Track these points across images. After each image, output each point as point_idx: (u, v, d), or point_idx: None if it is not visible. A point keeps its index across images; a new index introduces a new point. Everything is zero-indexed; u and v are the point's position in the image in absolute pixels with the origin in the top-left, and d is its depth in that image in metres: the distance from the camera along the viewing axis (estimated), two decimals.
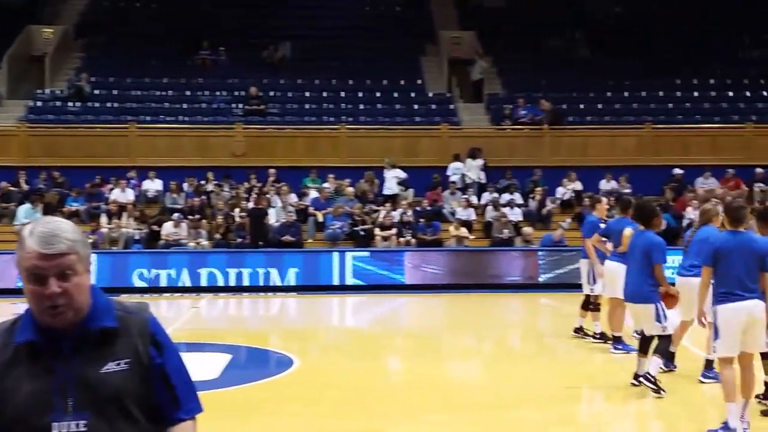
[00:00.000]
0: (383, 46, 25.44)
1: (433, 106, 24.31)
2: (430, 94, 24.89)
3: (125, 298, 2.47)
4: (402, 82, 24.97)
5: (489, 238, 19.35)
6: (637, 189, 19.49)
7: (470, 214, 19.92)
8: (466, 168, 21.30)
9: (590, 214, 11.32)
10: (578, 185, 21.07)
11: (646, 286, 7.90)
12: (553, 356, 10.60)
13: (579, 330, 10.99)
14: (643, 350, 8.08)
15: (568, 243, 18.71)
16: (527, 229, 19.10)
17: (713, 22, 25.99)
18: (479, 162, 21.39)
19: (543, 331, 13.32)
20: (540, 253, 18.13)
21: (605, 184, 20.86)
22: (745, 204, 7.14)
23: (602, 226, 10.53)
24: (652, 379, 7.73)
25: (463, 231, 18.89)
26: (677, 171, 20.81)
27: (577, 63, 25.76)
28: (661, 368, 8.05)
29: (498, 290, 17.40)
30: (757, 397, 7.37)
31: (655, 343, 7.98)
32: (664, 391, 7.68)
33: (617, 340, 10.15)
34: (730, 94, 24.38)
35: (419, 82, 25.25)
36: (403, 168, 21.03)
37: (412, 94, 24.70)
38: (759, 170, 20.99)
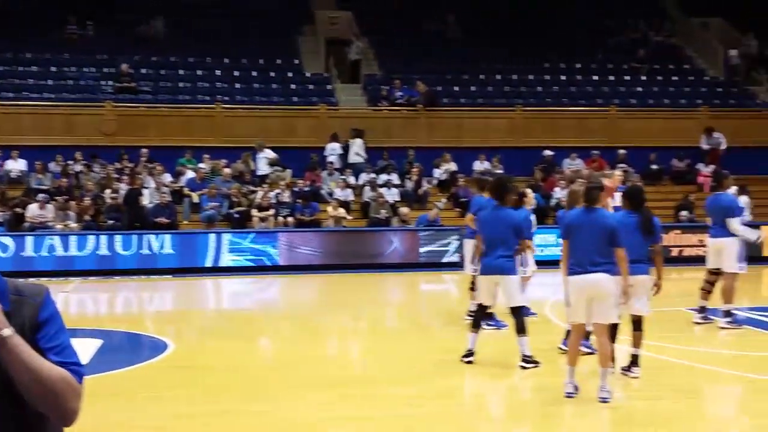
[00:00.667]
0: (260, 25, 25.11)
1: (311, 87, 24.23)
2: (308, 74, 24.79)
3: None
4: (279, 62, 24.74)
5: (366, 219, 19.53)
6: (509, 169, 20.08)
7: (348, 195, 20.04)
8: (357, 148, 21.36)
9: (480, 195, 11.46)
10: (453, 166, 21.54)
11: (509, 260, 8.33)
12: (428, 332, 10.85)
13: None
14: (476, 324, 8.57)
15: (443, 222, 19.15)
16: (404, 209, 19.39)
17: (578, 8, 26.99)
18: (359, 142, 21.49)
19: (418, 309, 13.59)
20: (421, 233, 18.41)
21: (479, 165, 21.41)
22: (600, 184, 7.51)
23: (533, 219, 10.91)
24: (527, 358, 8.21)
25: (341, 211, 18.99)
26: (547, 152, 21.58)
27: (451, 45, 26.22)
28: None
29: (378, 270, 17.59)
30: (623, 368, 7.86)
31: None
32: (538, 362, 8.17)
33: (489, 317, 10.49)
34: (595, 78, 25.44)
35: (296, 62, 25.08)
36: (280, 148, 20.90)
37: (289, 74, 24.51)
38: (621, 151, 22.05)
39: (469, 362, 8.41)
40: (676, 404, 7.19)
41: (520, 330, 8.26)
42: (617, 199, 8.92)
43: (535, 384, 7.94)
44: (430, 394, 7.46)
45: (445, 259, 18.06)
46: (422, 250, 18.18)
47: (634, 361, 7.91)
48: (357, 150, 21.41)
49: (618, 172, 11.22)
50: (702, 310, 10.72)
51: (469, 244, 11.06)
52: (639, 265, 7.64)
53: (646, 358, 8.49)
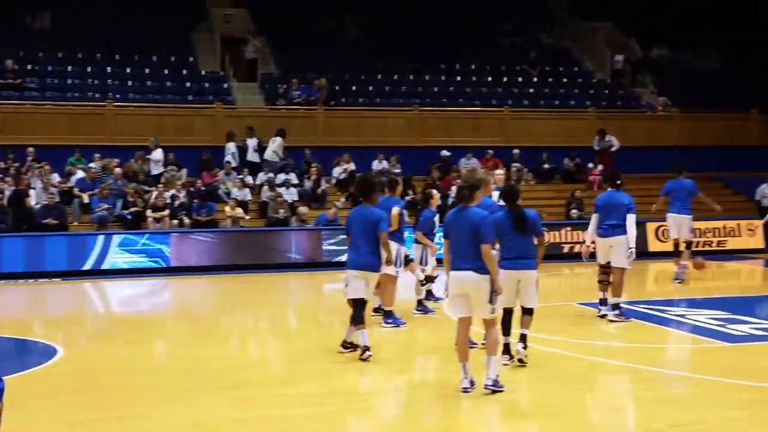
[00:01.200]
0: (153, 21, 24.51)
1: (207, 85, 23.85)
2: (203, 72, 24.39)
3: None
4: (173, 59, 24.24)
5: (265, 218, 19.35)
6: (407, 169, 20.30)
7: (246, 195, 19.81)
8: (276, 147, 21.09)
9: (427, 208, 11.53)
10: (352, 165, 21.59)
11: (374, 257, 8.76)
12: (329, 331, 10.85)
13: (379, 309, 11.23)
14: (358, 320, 8.72)
15: (342, 222, 19.16)
16: (303, 209, 19.29)
17: (473, 9, 27.51)
18: (279, 141, 21.27)
19: (319, 308, 13.56)
20: (323, 232, 18.33)
21: (377, 165, 21.53)
22: (479, 182, 7.68)
23: (436, 219, 11.07)
24: (363, 347, 8.59)
25: (239, 211, 18.75)
26: (444, 152, 21.90)
27: (349, 44, 26.29)
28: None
29: (279, 270, 17.44)
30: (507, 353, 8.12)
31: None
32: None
33: (388, 315, 10.59)
34: (489, 79, 26.01)
35: (191, 59, 24.64)
36: (175, 147, 20.48)
37: (184, 72, 24.05)
38: (515, 151, 22.62)
39: (366, 359, 8.48)
40: (565, 394, 7.43)
41: (358, 321, 8.66)
42: (494, 197, 9.25)
43: (433, 379, 8.06)
44: (329, 393, 7.47)
45: (342, 258, 18.06)
46: (325, 249, 18.11)
47: (522, 339, 8.28)
48: (275, 149, 21.21)
49: (499, 172, 11.58)
50: (603, 302, 11.08)
51: (417, 249, 11.36)
52: (524, 260, 8.05)
53: (538, 351, 8.76)
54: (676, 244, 14.67)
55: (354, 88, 24.56)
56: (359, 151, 21.82)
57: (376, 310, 11.04)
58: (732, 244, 19.93)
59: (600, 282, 11.03)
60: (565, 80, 26.63)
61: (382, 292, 10.65)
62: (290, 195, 20.04)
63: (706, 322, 10.55)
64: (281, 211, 19.11)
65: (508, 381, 7.61)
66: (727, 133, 24.48)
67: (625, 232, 10.58)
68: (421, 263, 11.39)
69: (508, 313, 8.26)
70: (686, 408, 6.82)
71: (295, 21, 26.14)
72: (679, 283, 14.51)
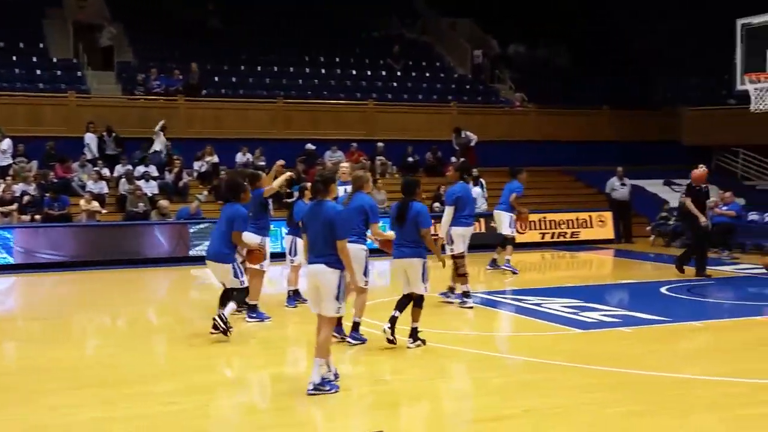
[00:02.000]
0: (0, 6, 23.15)
1: (59, 73, 22.75)
2: (54, 60, 23.24)
3: None
4: (21, 45, 22.98)
5: (123, 212, 18.67)
6: (272, 161, 20.06)
7: (102, 188, 19.06)
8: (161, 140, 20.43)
9: (301, 201, 11.33)
10: (215, 158, 21.17)
11: (225, 249, 9.24)
12: (190, 328, 10.59)
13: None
14: (222, 303, 9.40)
15: (206, 215, 18.76)
16: (163, 202, 18.74)
17: (337, 2, 27.54)
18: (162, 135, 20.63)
19: (182, 304, 13.21)
20: (190, 226, 17.83)
21: (241, 157, 21.22)
22: (333, 176, 7.79)
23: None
24: (224, 319, 9.10)
25: (95, 205, 18.01)
26: (310, 145, 21.81)
27: (210, 35, 25.73)
28: (235, 311, 9.55)
29: (143, 265, 16.86)
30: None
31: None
32: (231, 329, 9.13)
33: (252, 309, 10.44)
34: (353, 72, 26.12)
35: (41, 46, 23.44)
36: (25, 138, 19.45)
37: (34, 59, 22.86)
38: (380, 144, 22.82)
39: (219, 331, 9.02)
40: (422, 383, 7.59)
41: (223, 303, 9.32)
42: (340, 191, 9.48)
43: (296, 374, 8.01)
44: (191, 390, 7.29)
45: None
46: (192, 243, 17.64)
47: (414, 333, 8.69)
48: (161, 145, 20.59)
49: (345, 165, 11.74)
50: (452, 290, 11.44)
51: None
52: (406, 249, 8.59)
53: (396, 341, 8.89)
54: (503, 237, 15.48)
55: (216, 78, 24.07)
56: (222, 143, 21.41)
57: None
58: (584, 234, 20.87)
59: (460, 274, 11.33)
60: (427, 75, 27.09)
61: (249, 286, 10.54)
62: (150, 188, 19.44)
63: (560, 310, 11.01)
64: (141, 204, 18.50)
65: (367, 371, 7.67)
66: (579, 129, 25.61)
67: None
68: (290, 254, 11.28)
69: (406, 297, 8.79)
70: (540, 393, 7.07)
71: (152, 9, 25.34)
72: (491, 268, 15.47)
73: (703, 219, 14.07)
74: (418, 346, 8.73)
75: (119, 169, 19.88)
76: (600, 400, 6.88)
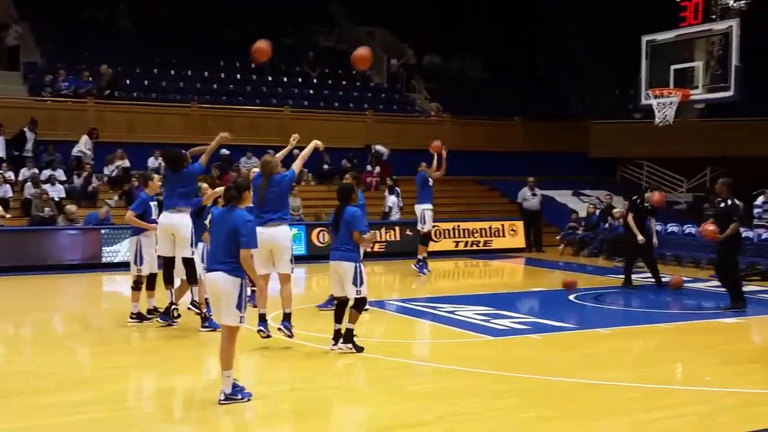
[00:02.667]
0: None
1: None
2: None
3: None
4: None
5: (28, 217, 18.06)
6: None
7: (7, 191, 18.41)
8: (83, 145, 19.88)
9: (142, 190, 11.12)
10: (126, 162, 20.72)
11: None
12: (98, 336, 10.34)
13: (153, 311, 10.86)
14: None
15: (116, 221, 18.32)
16: (71, 207, 18.22)
17: (254, 9, 27.35)
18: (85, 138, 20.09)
19: (90, 311, 12.85)
20: (103, 231, 17.37)
21: (153, 162, 20.82)
22: (247, 183, 7.69)
23: (152, 203, 10.62)
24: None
25: None
26: (225, 151, 21.55)
27: (122, 36, 25.19)
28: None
29: (48, 272, 16.32)
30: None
31: None
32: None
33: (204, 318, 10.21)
34: (270, 78, 25.96)
35: None
36: None
37: None
38: (296, 152, 22.68)
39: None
40: (336, 392, 7.62)
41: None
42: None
43: (208, 383, 7.92)
44: (94, 400, 7.12)
45: (121, 259, 17.32)
46: (104, 249, 17.20)
47: (348, 335, 8.79)
48: (83, 148, 20.07)
49: (256, 169, 11.64)
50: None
51: (134, 242, 10.70)
52: (339, 252, 8.73)
53: (309, 349, 8.89)
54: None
55: (128, 81, 23.56)
56: (134, 147, 20.97)
57: (137, 315, 10.68)
58: (497, 243, 21.28)
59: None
60: (343, 83, 27.16)
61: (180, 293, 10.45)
62: (56, 192, 18.88)
63: (472, 318, 11.19)
64: (47, 209, 17.93)
65: (284, 378, 7.66)
66: (493, 139, 26.11)
67: None
68: (136, 263, 10.81)
69: (341, 303, 8.86)
70: (453, 400, 7.18)
71: (61, 8, 24.64)
72: (420, 273, 15.84)
73: (640, 237, 14.38)
74: (350, 350, 8.75)
75: (24, 172, 19.25)
76: (511, 406, 7.04)
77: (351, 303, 8.88)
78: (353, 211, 8.89)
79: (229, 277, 6.92)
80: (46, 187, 18.70)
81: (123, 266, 16.96)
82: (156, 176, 11.32)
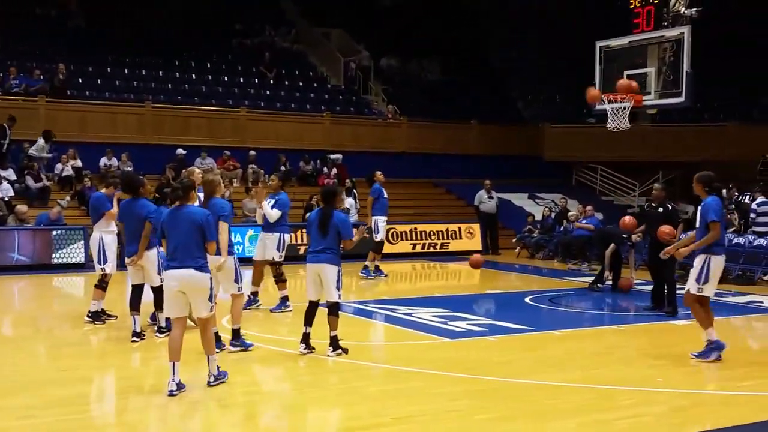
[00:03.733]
0: None
1: None
2: None
3: None
4: None
5: None
6: (140, 167, 19.53)
7: None
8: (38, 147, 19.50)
9: (97, 191, 10.97)
10: (78, 162, 20.38)
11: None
12: (50, 338, 10.14)
13: (101, 313, 10.69)
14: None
15: (68, 221, 18.02)
16: (21, 207, 17.86)
17: (210, 7, 27.14)
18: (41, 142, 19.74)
19: (40, 313, 12.59)
20: (54, 232, 17.04)
21: (105, 161, 20.53)
22: (192, 183, 7.77)
23: (115, 201, 10.47)
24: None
25: None
26: (181, 151, 21.34)
27: (74, 34, 24.78)
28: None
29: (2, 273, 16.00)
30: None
31: None
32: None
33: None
34: (225, 79, 25.77)
35: None
36: None
37: None
38: (252, 152, 22.61)
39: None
40: (292, 394, 7.58)
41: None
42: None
43: (154, 386, 7.82)
44: (46, 404, 6.97)
45: (74, 260, 17.03)
46: (54, 250, 16.88)
47: (334, 342, 8.74)
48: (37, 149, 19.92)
49: (198, 171, 11.52)
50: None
51: (96, 241, 10.50)
52: (323, 255, 8.60)
53: (266, 351, 8.83)
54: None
55: (81, 80, 23.18)
56: (87, 146, 20.64)
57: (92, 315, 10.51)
58: (453, 246, 21.38)
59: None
60: (300, 84, 27.07)
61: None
62: (6, 192, 18.50)
63: (429, 320, 11.22)
64: None
65: (240, 381, 7.60)
66: (449, 142, 26.24)
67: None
68: (99, 262, 10.61)
69: (312, 307, 8.77)
70: (410, 401, 7.18)
71: (12, 5, 24.16)
72: (367, 277, 15.93)
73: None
74: (339, 354, 8.69)
75: None
76: (467, 407, 7.06)
77: (328, 309, 8.73)
78: (344, 216, 8.88)
79: (200, 273, 7.18)
80: None
81: (77, 267, 16.74)
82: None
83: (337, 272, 8.67)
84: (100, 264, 10.45)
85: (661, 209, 11.98)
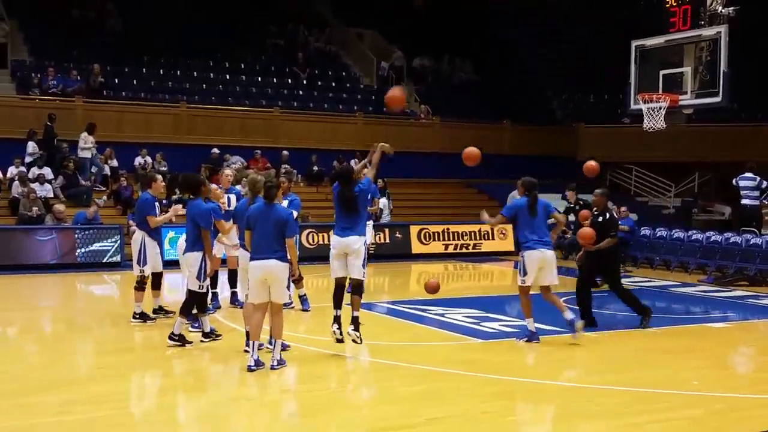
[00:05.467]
0: None
1: None
2: None
3: None
4: None
5: (16, 216, 17.94)
6: (174, 167, 19.72)
7: None
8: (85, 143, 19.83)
9: (146, 191, 10.99)
10: (114, 162, 20.64)
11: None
12: (85, 336, 10.26)
13: (159, 310, 10.85)
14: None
15: (104, 221, 18.25)
16: (59, 206, 18.13)
17: (243, 9, 27.30)
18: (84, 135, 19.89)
19: (76, 311, 12.77)
20: (77, 231, 17.27)
21: (140, 161, 20.77)
22: (276, 182, 8.25)
23: (157, 204, 10.53)
24: (176, 337, 9.07)
25: None
26: (215, 151, 21.52)
27: (111, 35, 25.09)
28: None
29: (30, 271, 16.22)
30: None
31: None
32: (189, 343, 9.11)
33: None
34: (259, 79, 25.91)
35: None
36: None
37: None
38: (284, 153, 22.70)
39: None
40: (328, 393, 7.60)
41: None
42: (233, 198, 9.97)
43: (189, 384, 7.88)
44: (83, 400, 7.06)
45: (105, 259, 17.23)
46: (81, 250, 17.10)
47: (356, 322, 8.81)
48: (85, 146, 20.01)
49: (228, 172, 11.60)
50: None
51: (137, 242, 10.56)
52: (359, 230, 8.78)
53: (304, 351, 8.86)
54: None
55: (117, 81, 23.47)
56: (121, 146, 20.89)
57: (139, 315, 10.61)
58: (486, 246, 21.28)
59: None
60: (333, 84, 27.13)
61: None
62: (45, 191, 18.78)
63: (462, 321, 11.19)
64: (35, 208, 17.82)
65: (273, 381, 7.63)
66: (482, 142, 26.00)
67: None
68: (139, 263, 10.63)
69: (339, 290, 8.89)
70: (444, 402, 7.17)
71: (50, 6, 24.52)
72: None
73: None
74: (358, 336, 8.76)
75: (12, 170, 19.13)
76: (499, 409, 7.03)
77: (350, 288, 8.87)
78: (367, 185, 8.92)
79: (281, 263, 7.92)
80: (34, 185, 18.58)
81: (108, 266, 16.96)
82: (159, 176, 11.11)
83: (366, 248, 8.94)
84: (140, 265, 10.50)
85: (601, 218, 11.21)
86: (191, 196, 9.20)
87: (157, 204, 10.58)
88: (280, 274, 7.91)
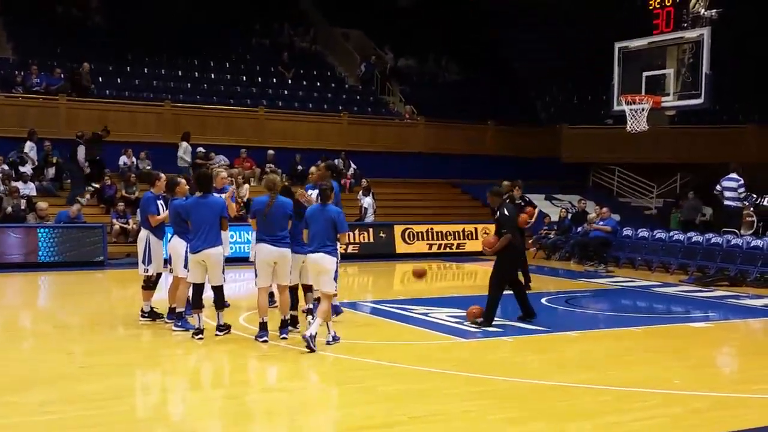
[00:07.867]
0: None
1: None
2: None
3: None
4: None
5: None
6: (158, 165, 19.65)
7: None
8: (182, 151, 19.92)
9: (149, 190, 10.90)
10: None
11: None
12: (67, 335, 10.23)
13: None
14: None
15: (87, 219, 18.18)
16: (42, 204, 18.04)
17: (228, 8, 27.24)
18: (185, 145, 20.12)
19: (61, 310, 12.72)
20: (55, 230, 17.19)
21: (125, 160, 20.68)
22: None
23: (160, 203, 10.43)
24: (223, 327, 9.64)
25: None
26: (201, 149, 21.47)
27: (95, 33, 24.96)
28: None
29: (18, 270, 16.15)
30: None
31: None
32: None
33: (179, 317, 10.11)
34: (244, 78, 25.87)
35: None
36: None
37: None
38: (270, 152, 22.70)
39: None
40: (308, 393, 7.61)
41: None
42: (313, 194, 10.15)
43: (171, 383, 7.87)
44: (66, 399, 7.04)
45: (89, 258, 17.16)
46: (67, 248, 17.04)
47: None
48: (182, 153, 20.38)
49: (224, 174, 11.68)
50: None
51: (142, 242, 10.49)
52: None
53: (284, 349, 8.87)
54: None
55: (101, 79, 23.36)
56: (106, 145, 20.79)
57: (148, 314, 10.58)
58: (470, 246, 21.35)
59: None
60: (318, 84, 27.14)
61: (173, 293, 10.30)
62: (27, 189, 18.68)
63: (445, 320, 11.23)
64: (9, 207, 17.71)
65: (255, 379, 7.63)
66: (467, 143, 26.21)
67: None
68: (144, 262, 10.56)
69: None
70: (425, 401, 7.20)
71: (33, 4, 24.38)
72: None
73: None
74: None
75: None
76: (482, 408, 7.07)
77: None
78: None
79: (329, 256, 8.89)
80: (17, 184, 18.48)
81: (94, 265, 16.88)
82: (162, 175, 10.99)
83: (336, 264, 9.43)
84: (144, 264, 10.43)
85: (497, 214, 10.99)
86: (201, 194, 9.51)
87: (160, 202, 10.50)
88: (328, 265, 8.92)
